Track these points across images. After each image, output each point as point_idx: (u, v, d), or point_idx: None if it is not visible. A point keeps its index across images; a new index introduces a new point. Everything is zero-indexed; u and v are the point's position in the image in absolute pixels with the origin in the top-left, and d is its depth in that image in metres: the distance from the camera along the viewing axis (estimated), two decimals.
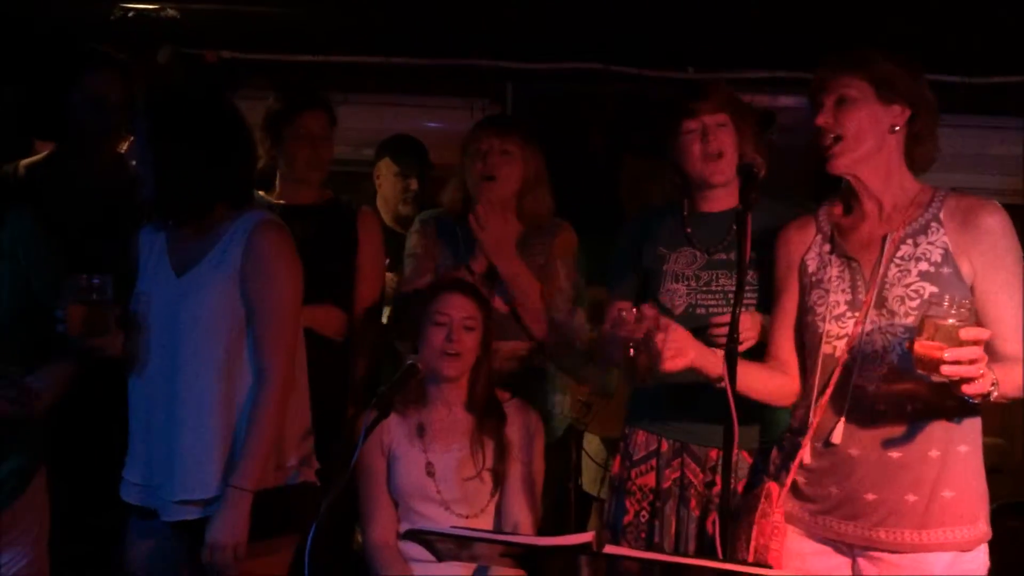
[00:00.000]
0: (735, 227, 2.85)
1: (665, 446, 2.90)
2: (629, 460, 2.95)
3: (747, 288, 2.58)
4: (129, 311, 2.69)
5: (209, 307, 2.64)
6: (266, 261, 2.66)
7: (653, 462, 2.91)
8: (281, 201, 3.46)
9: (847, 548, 2.49)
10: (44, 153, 3.41)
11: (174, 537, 2.69)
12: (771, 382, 2.60)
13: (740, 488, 2.78)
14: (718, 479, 2.80)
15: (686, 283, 2.89)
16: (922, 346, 2.16)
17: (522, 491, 3.02)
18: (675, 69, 4.44)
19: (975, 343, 2.14)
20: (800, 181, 2.57)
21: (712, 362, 2.45)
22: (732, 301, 2.73)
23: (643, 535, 2.89)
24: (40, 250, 2.69)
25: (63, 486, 2.86)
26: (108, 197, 3.18)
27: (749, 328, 2.74)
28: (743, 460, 2.81)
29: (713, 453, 2.84)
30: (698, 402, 2.78)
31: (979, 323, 2.31)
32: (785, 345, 2.62)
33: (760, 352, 2.70)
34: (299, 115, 3.44)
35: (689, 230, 2.94)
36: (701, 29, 4.13)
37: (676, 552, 2.79)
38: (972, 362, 2.13)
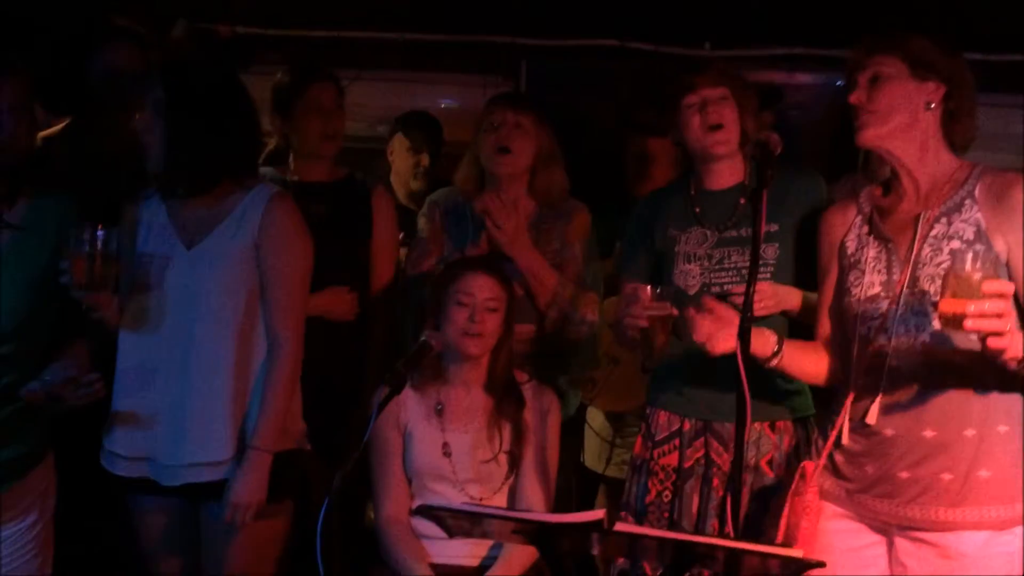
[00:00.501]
0: (743, 202, 2.87)
1: (688, 425, 2.89)
2: (652, 440, 2.94)
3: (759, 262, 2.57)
4: (135, 274, 2.72)
5: (226, 277, 2.71)
6: (284, 232, 2.75)
7: (676, 442, 2.90)
8: (295, 178, 3.45)
9: (883, 527, 2.49)
10: (60, 125, 3.41)
11: (177, 503, 2.76)
12: (819, 363, 2.62)
13: (764, 464, 2.81)
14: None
15: (699, 263, 2.89)
16: (946, 303, 2.15)
17: (536, 475, 3.01)
18: (691, 46, 4.40)
19: (1000, 296, 2.12)
20: (815, 157, 2.56)
21: (760, 342, 2.50)
22: (746, 277, 2.74)
23: (666, 515, 2.88)
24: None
25: (66, 473, 2.85)
26: (123, 170, 3.18)
27: (769, 296, 2.76)
28: (766, 436, 2.82)
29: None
30: (718, 379, 2.78)
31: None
32: (830, 325, 2.63)
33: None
34: (307, 88, 3.42)
35: (698, 209, 2.93)
36: (718, 6, 4.11)
37: (696, 530, 2.79)
38: (998, 316, 2.11)
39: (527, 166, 3.33)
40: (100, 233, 2.54)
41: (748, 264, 2.74)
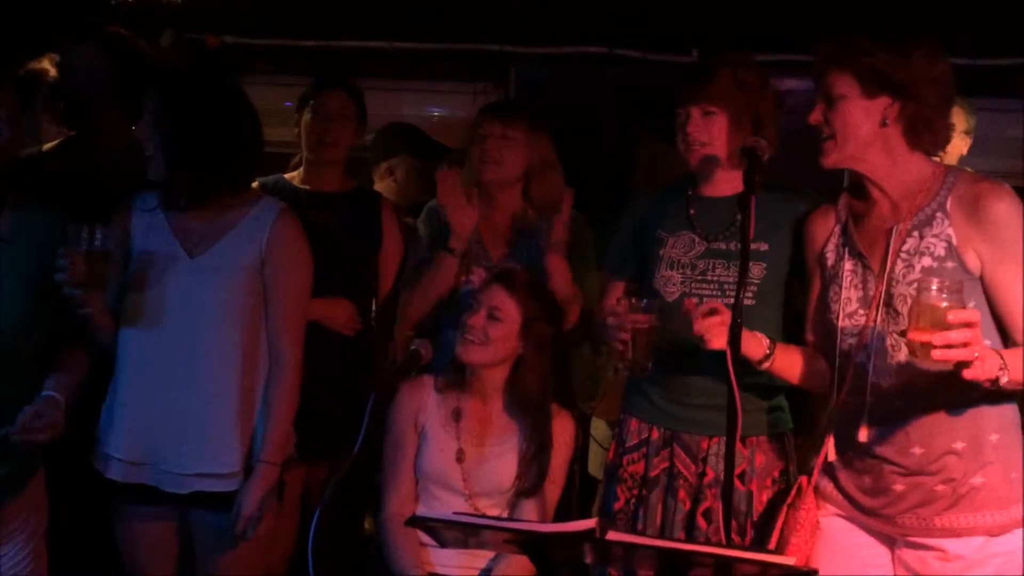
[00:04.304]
0: (739, 217, 2.80)
1: (656, 435, 2.87)
2: (622, 447, 2.93)
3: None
4: (132, 272, 2.74)
5: (230, 290, 2.73)
6: (291, 249, 2.80)
7: (644, 450, 2.88)
8: (305, 187, 3.48)
9: (884, 537, 2.50)
10: (60, 139, 3.40)
11: (168, 511, 2.77)
12: (814, 366, 2.59)
13: (735, 477, 2.78)
14: (709, 469, 2.80)
15: (681, 271, 2.84)
16: (914, 333, 2.13)
17: (536, 496, 2.95)
18: (679, 52, 4.41)
19: (966, 326, 2.10)
20: (807, 165, 2.54)
21: (752, 344, 2.49)
22: (726, 292, 2.74)
23: (631, 522, 2.86)
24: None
25: (61, 485, 2.84)
26: (119, 177, 3.16)
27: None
28: (737, 450, 2.79)
29: (704, 443, 2.82)
30: (690, 391, 2.78)
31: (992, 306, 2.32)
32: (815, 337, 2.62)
33: None
34: (318, 95, 3.48)
35: (692, 211, 2.88)
36: (705, 12, 4.12)
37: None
38: (965, 345, 2.09)
39: (517, 175, 3.33)
40: (99, 232, 2.55)
41: (731, 279, 2.76)
